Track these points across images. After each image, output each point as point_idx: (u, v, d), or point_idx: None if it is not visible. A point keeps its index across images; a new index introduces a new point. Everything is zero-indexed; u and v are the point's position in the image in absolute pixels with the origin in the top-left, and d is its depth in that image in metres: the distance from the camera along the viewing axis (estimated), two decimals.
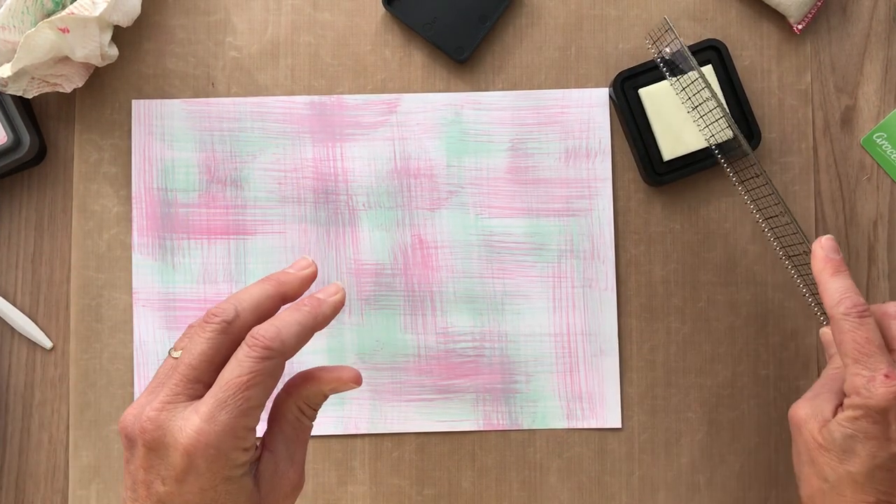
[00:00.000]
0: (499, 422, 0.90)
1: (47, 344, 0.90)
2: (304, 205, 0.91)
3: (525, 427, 0.90)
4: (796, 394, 0.90)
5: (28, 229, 0.91)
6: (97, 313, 0.90)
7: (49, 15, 0.85)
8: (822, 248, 0.75)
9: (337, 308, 0.67)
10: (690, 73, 0.84)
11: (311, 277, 0.69)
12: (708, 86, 0.83)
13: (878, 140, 0.91)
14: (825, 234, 0.77)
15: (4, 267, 0.91)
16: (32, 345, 0.91)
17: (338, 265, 0.90)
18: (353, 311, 0.90)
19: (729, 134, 0.85)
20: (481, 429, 0.90)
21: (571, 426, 0.90)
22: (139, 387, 0.90)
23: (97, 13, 0.81)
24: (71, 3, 0.85)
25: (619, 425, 0.90)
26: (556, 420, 0.90)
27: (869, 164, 0.92)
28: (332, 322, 0.87)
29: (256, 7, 0.92)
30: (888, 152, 0.91)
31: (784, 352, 0.91)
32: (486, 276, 0.90)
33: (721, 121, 0.84)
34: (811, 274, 0.78)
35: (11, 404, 0.90)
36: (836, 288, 0.73)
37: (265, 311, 0.65)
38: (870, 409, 0.68)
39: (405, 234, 0.90)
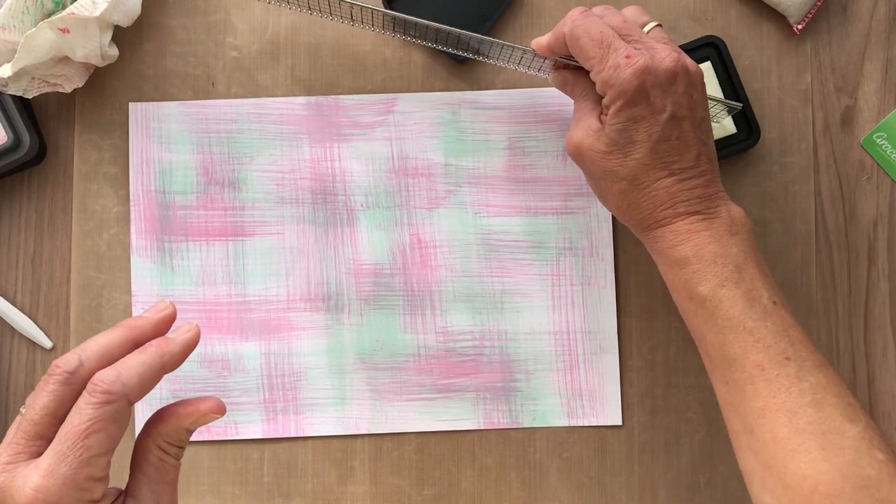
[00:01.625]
0: (499, 420, 0.90)
1: (47, 344, 0.90)
2: (302, 205, 0.91)
3: (526, 425, 0.90)
4: None
5: (28, 229, 0.91)
6: (97, 313, 0.90)
7: (49, 15, 0.85)
8: (537, 43, 0.81)
9: (188, 346, 0.63)
10: None
11: (169, 320, 0.65)
12: None
13: (878, 140, 0.91)
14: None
15: (4, 267, 0.91)
16: (32, 345, 0.91)
17: (336, 265, 0.90)
18: (352, 312, 0.90)
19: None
20: (482, 427, 0.90)
21: (572, 424, 0.90)
22: None
23: (97, 13, 0.81)
24: (71, 3, 0.85)
25: (620, 422, 0.90)
26: (557, 418, 0.90)
27: (869, 164, 0.92)
28: (332, 322, 0.88)
29: (256, 7, 0.92)
30: (888, 152, 0.91)
31: None
32: (485, 274, 0.90)
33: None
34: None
35: (11, 404, 0.90)
36: (552, 31, 0.79)
37: (113, 359, 0.61)
38: (626, 93, 0.72)
39: (404, 234, 0.91)
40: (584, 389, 0.90)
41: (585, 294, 0.90)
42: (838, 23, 0.92)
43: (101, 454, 0.57)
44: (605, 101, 0.74)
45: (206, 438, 0.90)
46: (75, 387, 0.59)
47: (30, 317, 0.90)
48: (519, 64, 0.85)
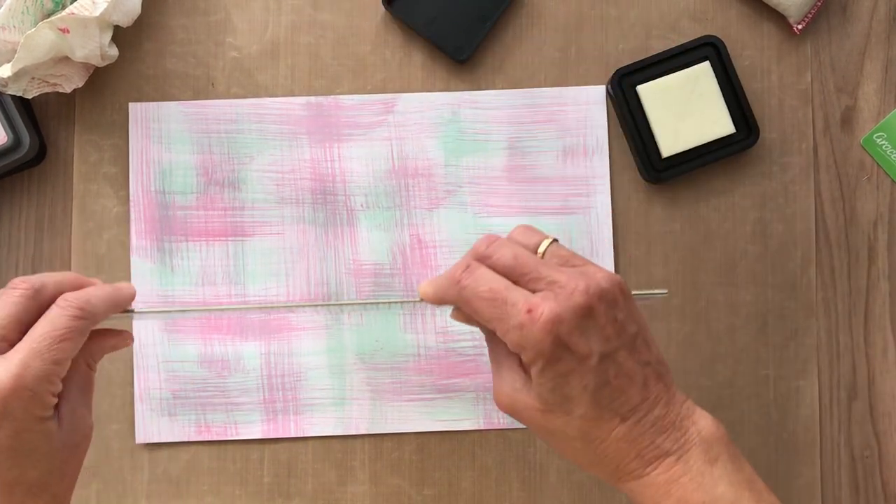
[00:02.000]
0: (499, 420, 0.90)
1: None
2: (302, 206, 0.91)
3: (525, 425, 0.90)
4: (796, 394, 0.90)
5: (28, 230, 0.91)
6: None
7: (49, 15, 0.85)
8: (422, 292, 0.72)
9: (133, 292, 0.72)
10: None
11: (123, 292, 0.72)
12: None
13: (879, 140, 0.91)
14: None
15: (4, 267, 0.91)
16: None
17: (336, 265, 0.90)
18: (352, 312, 0.90)
19: None
20: (482, 427, 0.90)
21: None
22: (139, 388, 0.90)
23: (97, 13, 0.81)
24: (71, 3, 0.85)
25: None
26: None
27: (869, 164, 0.92)
28: (332, 322, 0.88)
29: (256, 7, 0.92)
30: (888, 152, 0.91)
31: (783, 352, 0.90)
32: None
33: None
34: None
35: None
36: (440, 281, 0.69)
37: (70, 289, 0.69)
38: (542, 353, 0.63)
39: (404, 234, 0.90)
40: None
41: None
42: (838, 23, 0.92)
43: (66, 358, 0.65)
44: (523, 360, 0.65)
45: (206, 438, 0.90)
46: (39, 302, 0.67)
47: None
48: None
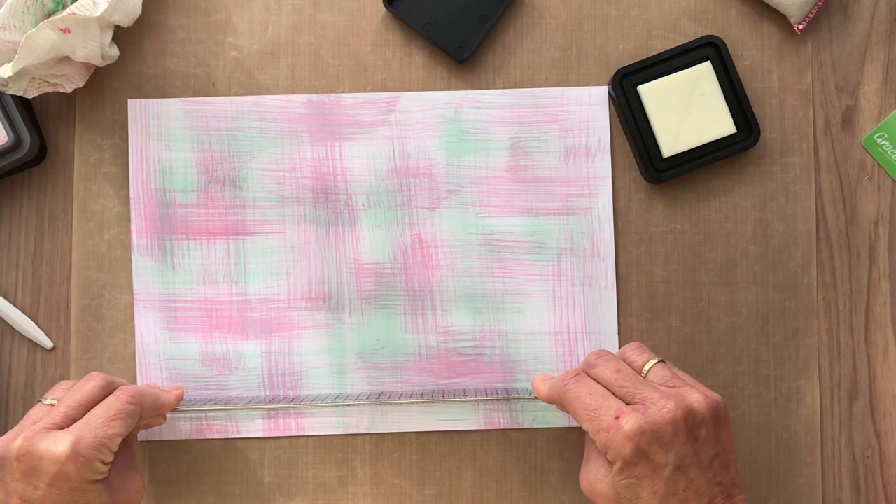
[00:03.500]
0: (499, 421, 0.90)
1: (48, 344, 0.90)
2: (304, 204, 0.91)
3: (526, 426, 0.90)
4: (797, 393, 0.90)
5: (28, 229, 0.91)
6: (97, 313, 0.90)
7: (49, 15, 0.85)
8: (536, 389, 0.84)
9: (178, 399, 0.88)
10: None
11: (171, 394, 0.87)
12: None
13: (879, 140, 0.91)
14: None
15: (5, 267, 0.91)
16: (33, 345, 0.91)
17: (337, 265, 0.90)
18: (353, 311, 0.90)
19: None
20: (482, 428, 0.90)
21: (572, 425, 0.90)
22: (141, 384, 0.89)
23: (98, 13, 0.81)
24: (71, 3, 0.85)
25: None
26: (557, 419, 0.90)
27: (870, 164, 0.92)
28: (333, 321, 0.89)
29: (257, 7, 0.92)
30: (889, 152, 0.91)
31: (784, 352, 0.90)
32: (486, 274, 0.90)
33: None
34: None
35: (11, 404, 0.90)
36: (553, 382, 0.81)
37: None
38: (623, 456, 0.72)
39: (405, 234, 0.90)
40: None
41: (586, 295, 0.90)
42: (839, 23, 0.92)
43: (118, 434, 0.76)
44: (607, 457, 0.74)
45: (206, 437, 0.90)
46: (107, 392, 0.80)
47: (30, 317, 0.90)
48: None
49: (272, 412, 0.90)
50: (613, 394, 0.75)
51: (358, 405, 0.89)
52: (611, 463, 0.73)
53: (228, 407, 0.88)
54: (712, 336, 0.91)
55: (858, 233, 0.91)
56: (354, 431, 0.90)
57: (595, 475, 0.76)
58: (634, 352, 0.81)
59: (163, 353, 0.90)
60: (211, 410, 0.89)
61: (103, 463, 0.75)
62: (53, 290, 0.91)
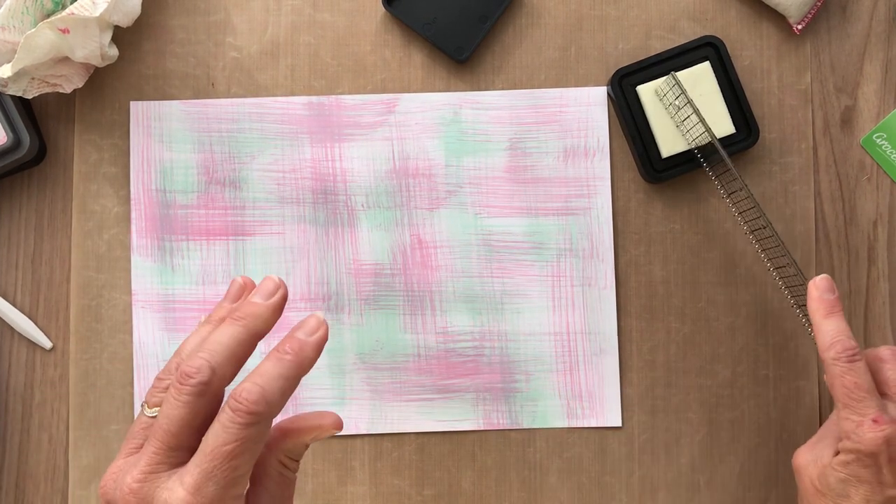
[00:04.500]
0: (499, 421, 0.90)
1: (47, 344, 0.90)
2: (303, 205, 0.91)
3: (525, 426, 0.90)
4: (796, 394, 0.90)
5: (28, 229, 0.91)
6: (97, 313, 0.90)
7: (49, 15, 0.85)
8: (817, 289, 0.76)
9: (321, 347, 0.63)
10: (668, 78, 0.85)
11: (283, 303, 0.64)
12: (683, 92, 0.83)
13: (878, 140, 0.91)
14: (822, 274, 0.77)
15: (4, 267, 0.91)
16: (32, 345, 0.91)
17: (337, 265, 0.90)
18: (352, 312, 0.90)
19: (707, 139, 0.85)
20: (481, 428, 0.90)
21: (572, 425, 0.90)
22: (139, 388, 0.90)
23: (97, 13, 0.81)
24: (71, 3, 0.85)
25: (620, 424, 0.90)
26: (557, 419, 0.90)
27: (869, 165, 0.92)
28: (332, 322, 0.88)
29: (256, 7, 0.92)
30: (888, 152, 0.91)
31: (784, 352, 0.91)
32: (485, 275, 0.90)
33: (699, 126, 0.85)
34: (797, 284, 0.79)
35: (11, 404, 0.90)
36: (827, 330, 0.74)
37: (241, 360, 0.62)
38: (860, 453, 0.70)
39: (404, 234, 0.91)
40: (583, 391, 0.90)
41: (586, 295, 0.90)
42: (838, 23, 0.92)
43: (245, 473, 0.58)
44: (839, 444, 0.72)
45: None
46: (210, 396, 0.59)
47: (30, 317, 0.90)
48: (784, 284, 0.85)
49: None
50: (883, 394, 0.73)
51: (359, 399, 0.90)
52: (841, 450, 0.72)
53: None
54: (712, 336, 0.91)
55: (857, 233, 0.91)
56: (353, 432, 0.90)
57: (817, 455, 0.74)
58: None
59: (161, 354, 0.90)
60: None
61: None
62: (53, 290, 0.91)
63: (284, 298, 0.64)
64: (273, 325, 0.63)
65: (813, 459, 0.74)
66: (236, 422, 0.57)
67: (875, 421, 0.69)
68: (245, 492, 0.59)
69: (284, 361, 0.60)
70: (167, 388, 0.60)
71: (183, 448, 0.59)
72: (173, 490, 0.57)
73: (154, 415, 0.61)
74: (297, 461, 0.65)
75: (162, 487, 0.57)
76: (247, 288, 0.66)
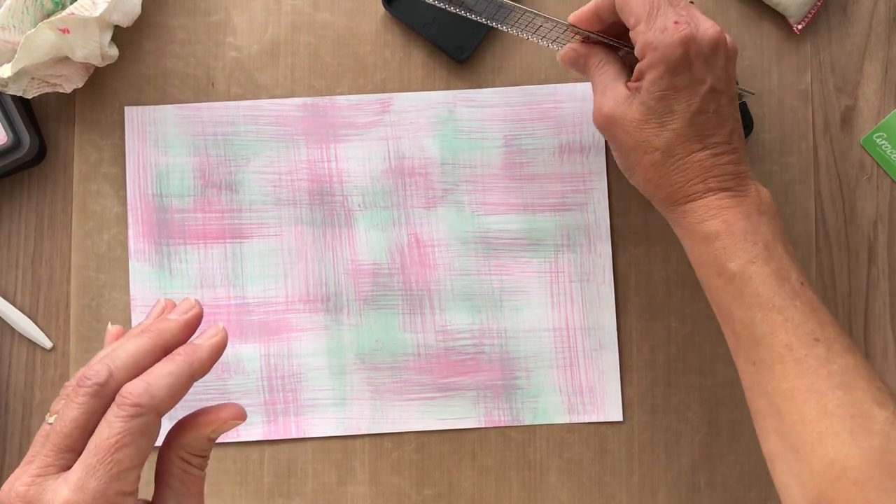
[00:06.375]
0: (500, 418, 0.90)
1: (47, 344, 0.90)
2: (300, 207, 0.91)
3: (527, 423, 0.90)
4: None
5: (28, 229, 0.91)
6: (97, 313, 0.90)
7: (49, 15, 0.85)
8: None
9: (216, 351, 0.62)
10: None
11: (196, 321, 0.64)
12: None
13: (878, 140, 0.91)
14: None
15: (4, 267, 0.91)
16: (32, 345, 0.91)
17: (335, 266, 0.90)
18: (351, 312, 0.90)
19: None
20: (482, 426, 0.90)
21: (573, 421, 0.90)
22: None
23: (97, 13, 0.81)
24: (71, 3, 0.85)
25: (621, 418, 0.90)
26: (558, 415, 0.90)
27: (869, 164, 0.91)
28: (331, 323, 0.88)
29: (256, 7, 0.92)
30: (888, 152, 0.91)
31: None
32: (483, 272, 0.90)
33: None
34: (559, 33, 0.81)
35: (11, 404, 0.90)
36: None
37: (143, 368, 0.60)
38: (669, 58, 0.72)
39: (401, 234, 0.91)
40: (584, 386, 0.90)
41: (584, 290, 0.90)
42: (838, 23, 0.92)
43: (130, 468, 0.56)
44: (642, 64, 0.73)
45: None
46: (105, 399, 0.58)
47: (30, 317, 0.91)
48: (535, 33, 0.82)
49: (272, 415, 0.90)
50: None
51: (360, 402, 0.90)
52: (644, 71, 0.73)
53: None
54: (712, 336, 0.91)
55: (857, 233, 0.91)
56: (354, 432, 0.90)
57: (615, 99, 0.75)
58: None
59: None
60: None
61: None
62: (53, 290, 0.91)
63: (197, 317, 0.64)
64: (184, 339, 0.62)
65: (615, 101, 0.75)
66: (119, 415, 0.56)
67: (676, 23, 0.72)
68: (135, 489, 0.58)
69: (175, 361, 0.60)
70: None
71: (74, 451, 0.57)
72: (58, 490, 0.56)
73: (53, 421, 0.59)
74: (203, 457, 0.63)
75: (48, 489, 0.56)
76: (167, 309, 0.65)
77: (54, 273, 0.91)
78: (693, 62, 0.72)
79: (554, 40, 0.82)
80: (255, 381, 0.90)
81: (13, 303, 0.91)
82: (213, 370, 0.83)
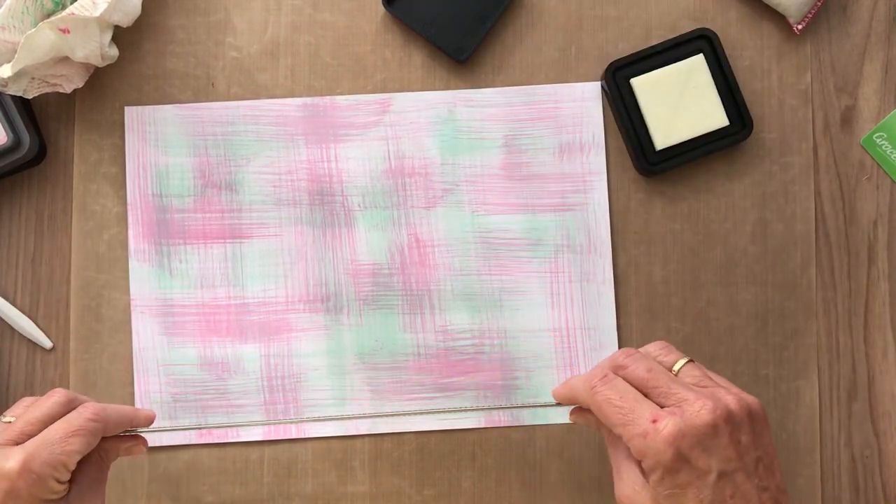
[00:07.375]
0: (500, 419, 0.90)
1: (47, 344, 0.90)
2: (300, 207, 0.91)
3: (526, 423, 0.90)
4: (796, 394, 0.90)
5: (28, 229, 0.91)
6: (97, 314, 0.90)
7: (49, 15, 0.85)
8: (556, 396, 0.77)
9: (151, 419, 0.80)
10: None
11: (140, 416, 0.80)
12: None
13: (878, 140, 0.91)
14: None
15: (4, 267, 0.91)
16: (32, 345, 0.91)
17: (335, 266, 0.90)
18: (351, 312, 0.90)
19: None
20: (482, 426, 0.90)
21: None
22: (139, 390, 0.90)
23: (98, 13, 0.81)
24: (71, 3, 0.85)
25: None
26: (558, 415, 0.90)
27: (869, 164, 0.91)
28: (331, 323, 0.88)
29: (256, 7, 0.92)
30: (888, 152, 0.91)
31: (784, 352, 0.90)
32: (483, 272, 0.90)
33: None
34: None
35: (11, 404, 0.90)
36: (574, 381, 0.73)
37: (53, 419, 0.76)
38: (661, 463, 0.66)
39: (401, 234, 0.91)
40: None
41: (584, 290, 0.90)
42: (838, 23, 0.92)
43: (76, 451, 0.72)
44: (643, 466, 0.68)
45: (207, 441, 0.90)
46: (68, 409, 0.75)
47: (30, 317, 0.91)
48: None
49: (272, 415, 0.90)
50: (646, 395, 0.69)
51: (359, 418, 0.90)
52: (647, 473, 0.68)
53: (211, 425, 0.89)
54: (712, 336, 0.91)
55: (857, 233, 0.91)
56: (354, 432, 0.90)
57: (632, 487, 0.69)
58: (662, 351, 0.74)
59: (161, 358, 0.90)
60: (195, 428, 0.90)
61: (58, 481, 0.71)
62: (53, 290, 0.91)
63: (146, 419, 0.81)
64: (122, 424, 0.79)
65: (633, 492, 0.69)
66: (81, 414, 0.74)
67: (654, 421, 0.66)
68: (72, 468, 0.73)
69: (125, 406, 0.80)
70: (28, 406, 0.77)
71: (30, 435, 0.73)
72: (13, 452, 0.71)
73: (10, 420, 0.75)
74: (111, 460, 0.80)
75: (2, 454, 0.71)
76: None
77: (54, 273, 0.91)
78: (689, 456, 0.66)
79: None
80: (256, 382, 0.90)
81: (13, 303, 0.91)
82: (213, 370, 0.87)
